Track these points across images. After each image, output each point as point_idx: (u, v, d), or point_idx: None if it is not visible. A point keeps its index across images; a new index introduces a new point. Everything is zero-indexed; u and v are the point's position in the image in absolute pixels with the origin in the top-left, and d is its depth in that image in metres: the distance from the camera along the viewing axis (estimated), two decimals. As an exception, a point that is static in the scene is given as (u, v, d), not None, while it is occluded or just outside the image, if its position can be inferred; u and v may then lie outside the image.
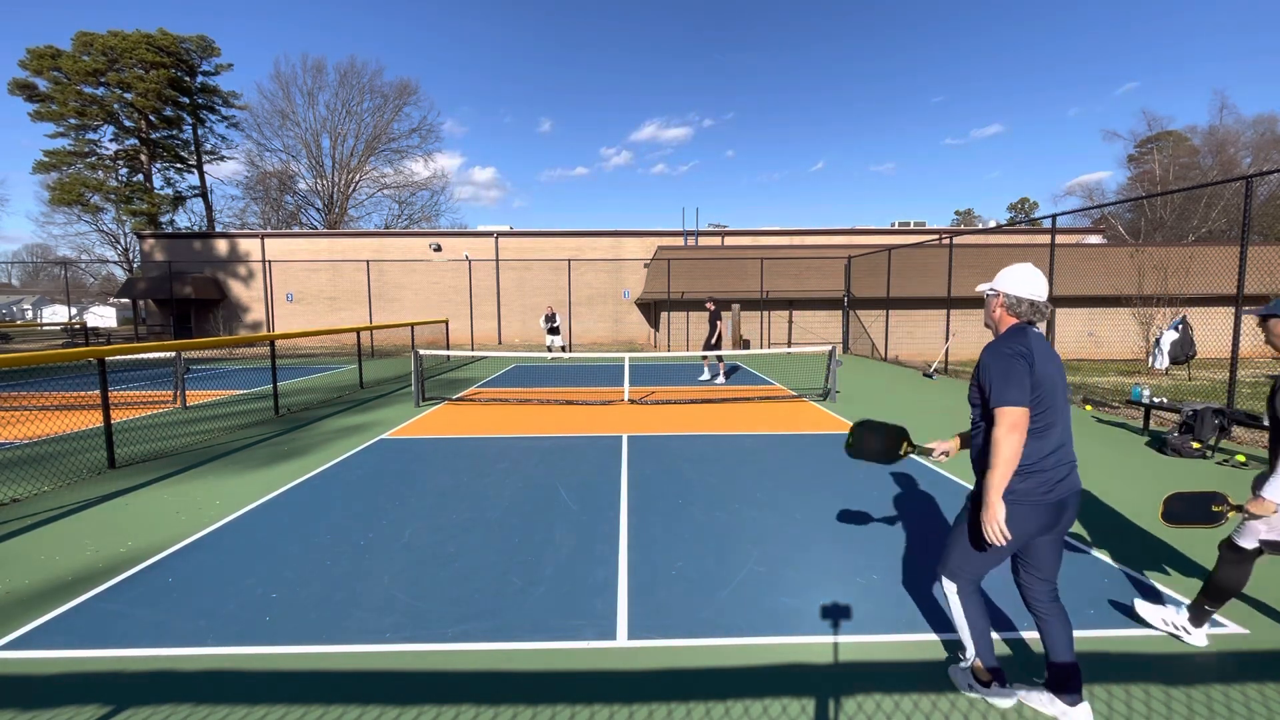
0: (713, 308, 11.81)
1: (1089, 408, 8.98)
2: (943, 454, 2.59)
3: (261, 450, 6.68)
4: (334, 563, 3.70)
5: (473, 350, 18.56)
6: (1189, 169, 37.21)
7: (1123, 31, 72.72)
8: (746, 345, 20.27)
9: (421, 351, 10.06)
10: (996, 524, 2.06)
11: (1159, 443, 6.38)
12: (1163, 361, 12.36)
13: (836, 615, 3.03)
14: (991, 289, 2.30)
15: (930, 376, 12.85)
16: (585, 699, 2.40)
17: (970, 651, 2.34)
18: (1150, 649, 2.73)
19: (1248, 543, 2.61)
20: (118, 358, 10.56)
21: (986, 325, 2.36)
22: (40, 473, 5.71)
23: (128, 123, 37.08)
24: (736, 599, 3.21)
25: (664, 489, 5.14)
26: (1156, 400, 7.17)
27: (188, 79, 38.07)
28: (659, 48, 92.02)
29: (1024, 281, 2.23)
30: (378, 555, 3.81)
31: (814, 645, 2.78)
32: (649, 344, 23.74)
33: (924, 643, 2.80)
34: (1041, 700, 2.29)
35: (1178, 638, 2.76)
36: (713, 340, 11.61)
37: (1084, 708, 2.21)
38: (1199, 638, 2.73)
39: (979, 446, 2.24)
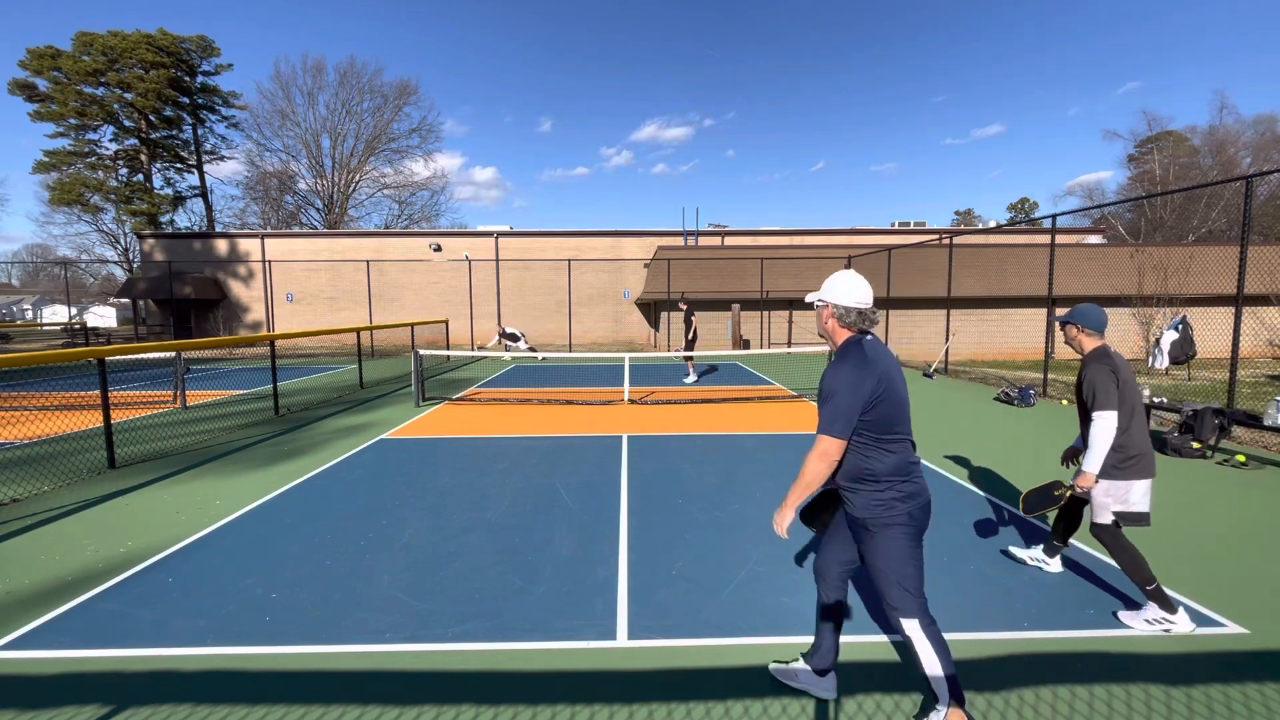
0: (685, 307, 12.06)
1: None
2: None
3: (261, 450, 6.68)
4: (334, 563, 3.70)
5: (473, 350, 18.54)
6: (1189, 169, 37.21)
7: (1123, 31, 72.76)
8: (746, 345, 20.28)
9: (421, 351, 10.06)
10: (785, 525, 2.19)
11: (1159, 443, 6.38)
12: (1163, 361, 12.36)
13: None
14: (820, 299, 2.23)
15: (930, 376, 12.85)
16: (585, 699, 2.40)
17: (944, 698, 2.08)
18: (1150, 649, 2.73)
19: (1104, 519, 2.98)
20: (118, 358, 10.56)
21: (820, 335, 2.36)
22: (40, 473, 5.71)
23: (128, 123, 37.08)
24: (736, 599, 3.21)
25: (664, 489, 5.13)
26: (1156, 400, 7.18)
27: (188, 79, 38.08)
28: (660, 47, 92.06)
29: (850, 290, 2.16)
30: (378, 555, 3.81)
31: (814, 645, 2.78)
32: (649, 344, 23.74)
33: (924, 643, 2.79)
34: (800, 671, 2.45)
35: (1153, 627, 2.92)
36: (689, 339, 11.79)
37: (833, 678, 2.40)
38: (1183, 621, 2.89)
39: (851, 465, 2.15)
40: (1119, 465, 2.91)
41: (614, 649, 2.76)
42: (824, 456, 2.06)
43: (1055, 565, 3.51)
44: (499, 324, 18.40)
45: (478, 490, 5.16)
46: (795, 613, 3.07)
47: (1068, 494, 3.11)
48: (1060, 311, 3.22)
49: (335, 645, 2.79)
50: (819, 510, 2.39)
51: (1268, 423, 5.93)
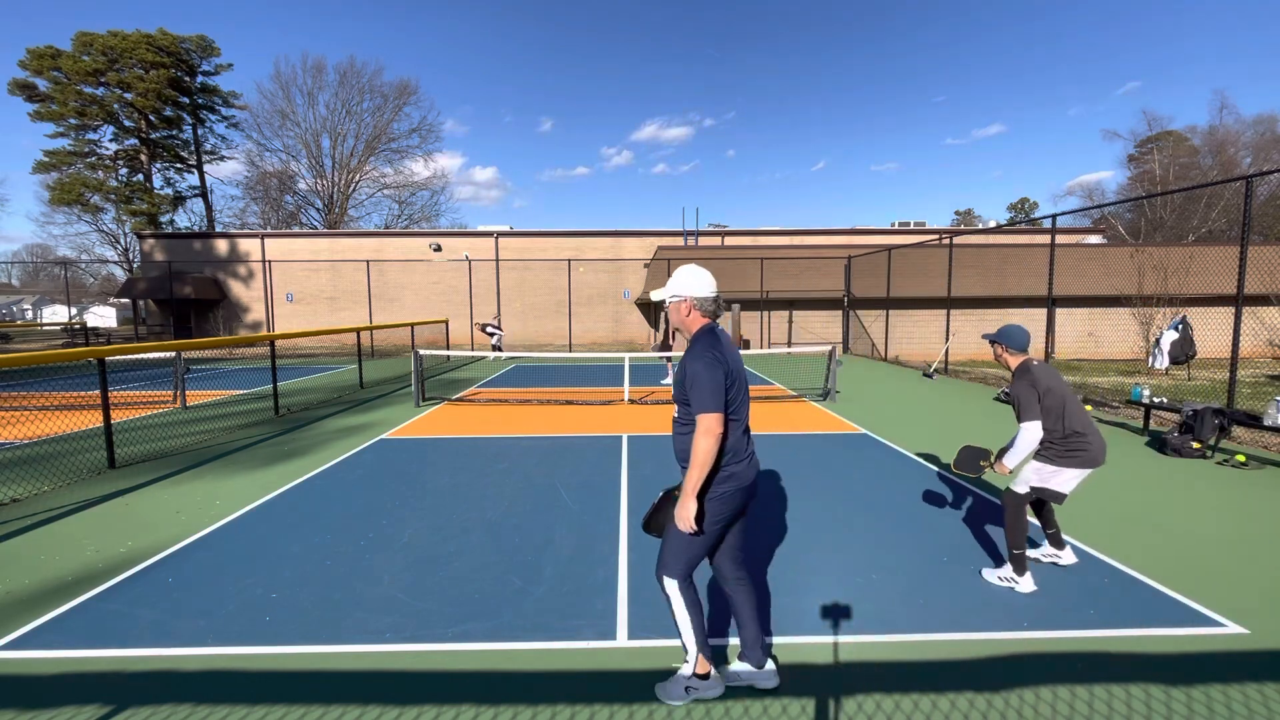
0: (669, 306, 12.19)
1: (1089, 408, 8.97)
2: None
3: (261, 450, 6.68)
4: (334, 563, 3.70)
5: (473, 350, 18.54)
6: (1189, 169, 37.20)
7: (1125, 31, 72.74)
8: (746, 345, 20.28)
9: (421, 351, 10.06)
10: (691, 518, 2.21)
11: (1159, 443, 6.38)
12: (1163, 361, 12.36)
13: (836, 615, 3.04)
14: (675, 294, 2.40)
15: (930, 376, 12.85)
16: (585, 699, 2.40)
17: (692, 652, 2.37)
18: (1150, 649, 2.73)
19: (1021, 489, 3.42)
20: (118, 358, 10.56)
21: (676, 329, 2.47)
22: (40, 473, 5.71)
23: (128, 123, 37.07)
24: (736, 599, 3.21)
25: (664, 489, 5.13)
26: (1156, 400, 7.18)
27: (188, 79, 38.06)
28: (661, 47, 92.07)
29: (706, 283, 2.39)
30: (378, 555, 3.81)
31: (814, 645, 2.78)
32: (649, 344, 23.72)
33: (924, 643, 2.80)
34: (740, 672, 2.49)
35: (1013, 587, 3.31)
36: (666, 340, 11.93)
37: (770, 667, 2.49)
38: (1027, 583, 3.30)
39: (684, 444, 2.38)
40: (1059, 455, 3.30)
41: (614, 649, 2.76)
42: (709, 433, 2.16)
43: (1069, 556, 3.59)
44: (495, 321, 18.14)
45: (478, 490, 5.16)
46: (795, 613, 3.07)
47: (987, 469, 3.46)
48: (990, 331, 3.64)
49: (335, 645, 2.79)
50: (657, 513, 2.52)
51: (1268, 423, 5.94)
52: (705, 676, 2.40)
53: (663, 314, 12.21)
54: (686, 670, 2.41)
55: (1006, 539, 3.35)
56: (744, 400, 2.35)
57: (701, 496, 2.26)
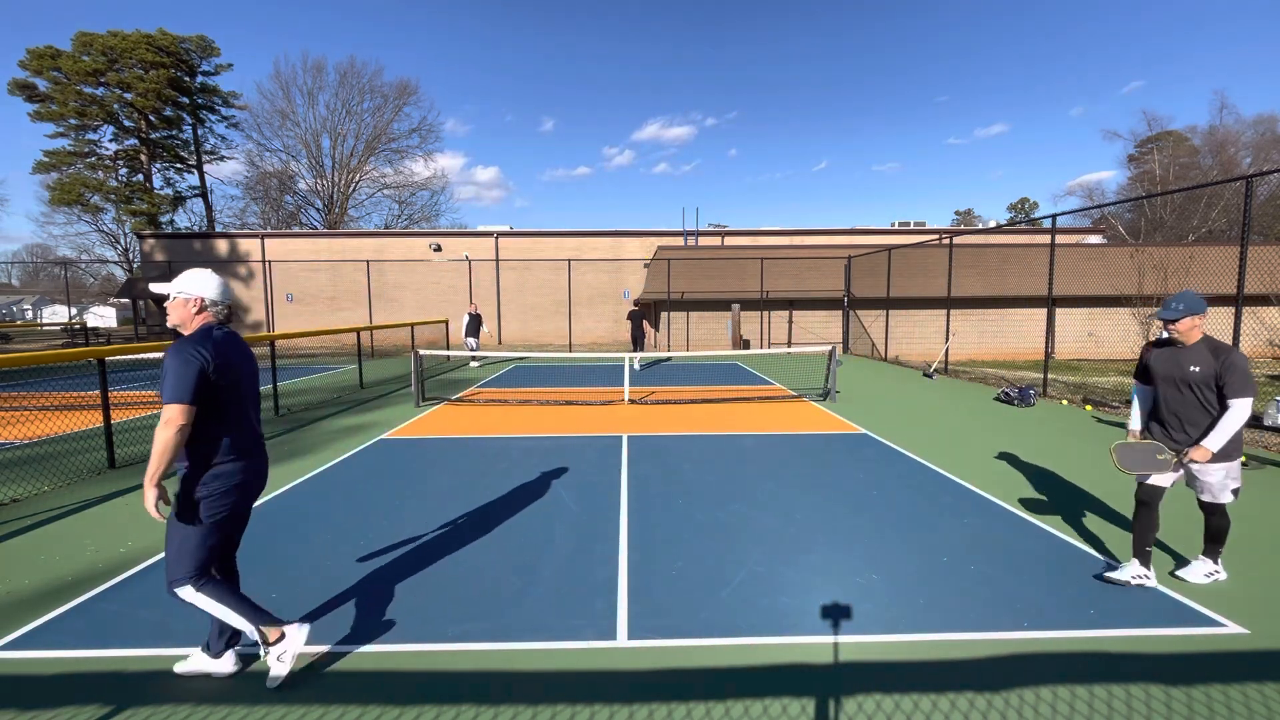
0: (638, 308, 12.81)
1: (1089, 408, 8.97)
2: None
3: (261, 450, 6.67)
4: (334, 563, 3.70)
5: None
6: (1189, 169, 37.19)
7: (1127, 30, 72.72)
8: (746, 345, 20.27)
9: (421, 352, 10.06)
10: (151, 505, 2.23)
11: (1159, 443, 6.37)
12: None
13: (836, 615, 3.04)
14: (182, 291, 2.43)
15: (930, 376, 12.85)
16: (585, 699, 2.40)
17: (253, 632, 2.42)
18: (1150, 649, 2.73)
19: (1227, 498, 3.22)
20: (118, 358, 10.55)
21: (173, 326, 2.48)
22: (40, 473, 5.71)
23: (128, 123, 37.06)
24: (736, 599, 3.21)
25: (664, 489, 5.13)
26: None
27: (188, 79, 38.04)
28: (662, 45, 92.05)
29: (217, 286, 2.46)
30: (378, 555, 3.81)
31: (814, 645, 2.78)
32: (649, 344, 23.72)
33: (924, 643, 2.80)
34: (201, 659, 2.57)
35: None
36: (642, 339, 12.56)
37: (230, 656, 2.56)
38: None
39: None
40: (1233, 445, 3.10)
41: (614, 649, 2.76)
42: (169, 424, 2.21)
43: (1152, 577, 3.32)
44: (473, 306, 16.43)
45: (478, 490, 5.16)
46: (795, 613, 3.07)
47: (1174, 461, 3.15)
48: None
49: (335, 645, 2.79)
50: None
51: (1268, 423, 5.93)
52: (281, 639, 2.47)
53: (629, 315, 12.80)
54: (264, 653, 2.48)
55: (1216, 543, 3.31)
56: (239, 402, 2.42)
57: (191, 492, 2.32)
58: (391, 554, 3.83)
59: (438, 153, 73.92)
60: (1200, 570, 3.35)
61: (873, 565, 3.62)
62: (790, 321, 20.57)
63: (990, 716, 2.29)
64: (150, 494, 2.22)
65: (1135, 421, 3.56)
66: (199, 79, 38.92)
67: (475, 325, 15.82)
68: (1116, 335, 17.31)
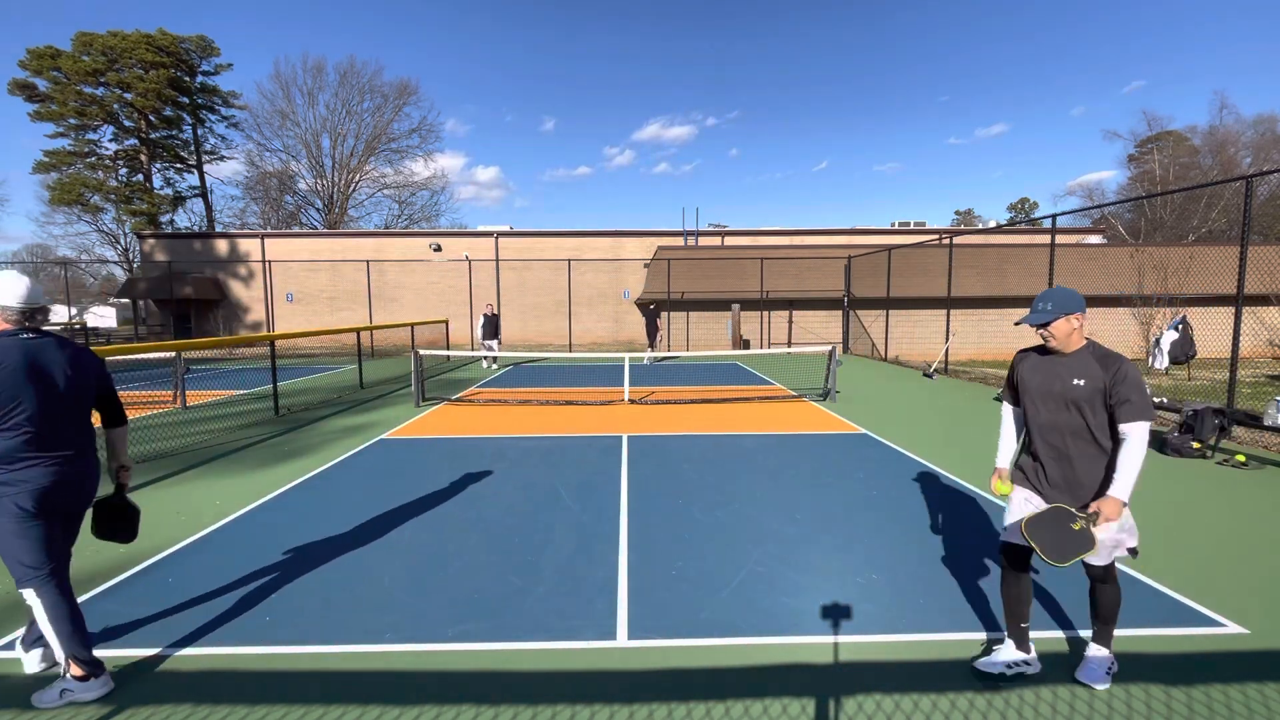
0: (654, 308, 13.11)
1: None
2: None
3: (261, 450, 6.68)
4: (333, 563, 3.70)
5: (472, 350, 18.53)
6: (1189, 169, 37.20)
7: (1127, 31, 72.62)
8: (747, 345, 20.28)
9: (421, 352, 10.06)
10: None
11: (1159, 443, 6.38)
12: (1163, 361, 12.35)
13: (836, 615, 3.04)
14: None
15: (930, 376, 12.85)
16: (585, 699, 2.40)
17: (59, 652, 2.40)
18: (1150, 649, 2.74)
19: (1121, 554, 2.46)
20: (117, 358, 10.55)
21: None
22: (40, 473, 5.69)
23: (128, 123, 37.06)
24: (736, 599, 3.21)
25: (664, 489, 5.13)
26: (1157, 400, 7.17)
27: (187, 79, 38.05)
28: (663, 45, 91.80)
29: (11, 289, 2.38)
30: (377, 555, 3.81)
31: (814, 645, 2.78)
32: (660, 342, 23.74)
33: (924, 643, 2.80)
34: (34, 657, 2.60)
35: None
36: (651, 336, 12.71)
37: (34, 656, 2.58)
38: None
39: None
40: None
41: (614, 649, 2.76)
42: None
43: (1034, 661, 2.57)
44: (489, 328, 16.01)
45: (478, 490, 5.16)
46: (795, 613, 3.07)
47: (1088, 526, 2.25)
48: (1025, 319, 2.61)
49: (335, 645, 2.79)
50: (112, 520, 2.75)
51: (1268, 423, 5.94)
52: (86, 678, 2.42)
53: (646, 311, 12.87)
54: (67, 673, 2.43)
55: (1108, 624, 2.53)
56: (27, 410, 2.34)
57: None
58: (391, 554, 3.83)
59: (438, 153, 73.73)
60: (1100, 666, 2.50)
61: (873, 565, 3.62)
62: (790, 321, 20.57)
63: (990, 716, 2.29)
64: None
65: (1003, 456, 2.82)
66: (199, 79, 38.92)
67: (494, 326, 15.76)
68: (1116, 335, 17.29)
